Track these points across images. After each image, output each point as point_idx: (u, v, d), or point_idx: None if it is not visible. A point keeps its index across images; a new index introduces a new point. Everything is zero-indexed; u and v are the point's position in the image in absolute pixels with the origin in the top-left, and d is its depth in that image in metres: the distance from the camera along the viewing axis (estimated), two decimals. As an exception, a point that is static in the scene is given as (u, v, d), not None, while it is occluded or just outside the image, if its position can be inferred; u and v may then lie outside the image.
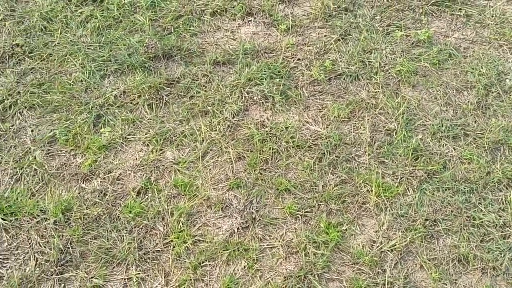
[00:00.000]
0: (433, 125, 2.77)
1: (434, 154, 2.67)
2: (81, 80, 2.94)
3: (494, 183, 2.57)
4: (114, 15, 3.23)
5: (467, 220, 2.47)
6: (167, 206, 2.50)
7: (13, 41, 3.09)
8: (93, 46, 3.09)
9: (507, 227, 2.45)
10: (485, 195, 2.54)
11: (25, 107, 2.84)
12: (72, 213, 2.46)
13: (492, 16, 3.27)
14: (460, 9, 3.30)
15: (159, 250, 2.39)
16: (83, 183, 2.58)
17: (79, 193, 2.54)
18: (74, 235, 2.40)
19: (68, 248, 2.38)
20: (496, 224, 2.45)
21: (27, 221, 2.44)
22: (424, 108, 2.86)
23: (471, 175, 2.59)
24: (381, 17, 3.26)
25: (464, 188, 2.56)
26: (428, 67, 3.02)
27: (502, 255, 2.36)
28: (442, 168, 2.62)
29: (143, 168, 2.63)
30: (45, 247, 2.37)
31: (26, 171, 2.61)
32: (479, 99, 2.89)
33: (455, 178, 2.59)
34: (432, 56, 3.05)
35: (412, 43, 3.13)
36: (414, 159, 2.65)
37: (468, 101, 2.88)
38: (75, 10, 3.25)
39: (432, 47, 3.10)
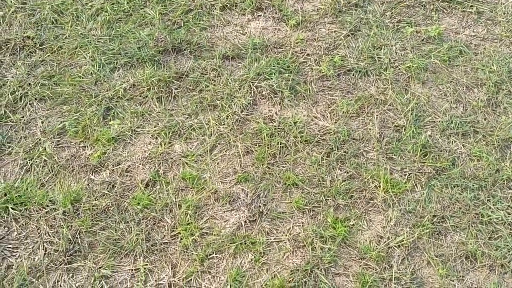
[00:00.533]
0: (442, 122, 2.76)
1: (443, 151, 2.66)
2: (91, 73, 2.96)
3: (503, 181, 2.56)
4: (124, 9, 3.24)
5: (475, 217, 2.46)
6: (175, 198, 2.51)
7: (24, 33, 3.11)
8: (103, 39, 3.10)
9: (516, 225, 2.44)
10: (494, 192, 2.53)
11: (36, 99, 2.86)
12: (81, 204, 2.48)
13: (504, 13, 3.25)
14: (471, 6, 3.28)
15: (166, 242, 2.40)
16: (92, 174, 2.60)
17: (88, 185, 2.56)
18: (83, 226, 2.42)
19: (77, 238, 2.40)
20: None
21: (37, 211, 2.47)
22: (433, 104, 2.85)
23: (480, 172, 2.58)
24: (392, 13, 3.24)
25: (473, 185, 2.54)
26: (438, 64, 3.00)
27: (511, 252, 2.35)
28: (451, 165, 2.61)
29: (152, 161, 2.64)
30: (54, 237, 2.39)
31: (36, 162, 2.63)
32: (489, 96, 2.87)
33: (464, 175, 2.58)
34: (442, 52, 3.04)
35: (423, 39, 3.12)
36: (423, 155, 2.64)
37: (478, 98, 2.87)
38: (85, 3, 3.27)
39: (443, 44, 3.08)
